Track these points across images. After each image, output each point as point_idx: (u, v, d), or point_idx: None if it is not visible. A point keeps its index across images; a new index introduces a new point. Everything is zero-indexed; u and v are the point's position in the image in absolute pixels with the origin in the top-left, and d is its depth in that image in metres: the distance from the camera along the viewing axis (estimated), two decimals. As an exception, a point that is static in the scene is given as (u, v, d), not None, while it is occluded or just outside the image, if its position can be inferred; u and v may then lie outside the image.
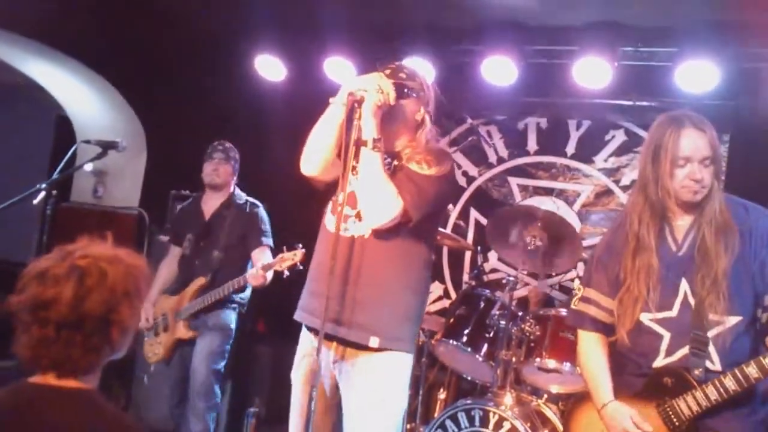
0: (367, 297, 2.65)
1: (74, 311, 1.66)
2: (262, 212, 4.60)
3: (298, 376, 2.84)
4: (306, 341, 2.84)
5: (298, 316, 2.84)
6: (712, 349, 2.41)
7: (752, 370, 2.26)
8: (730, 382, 2.30)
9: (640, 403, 2.50)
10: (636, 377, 2.55)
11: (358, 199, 2.67)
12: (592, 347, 2.68)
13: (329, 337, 2.65)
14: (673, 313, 2.47)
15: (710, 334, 2.41)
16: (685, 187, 2.42)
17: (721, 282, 2.37)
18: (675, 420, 2.42)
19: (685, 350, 2.44)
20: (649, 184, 2.49)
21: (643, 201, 2.53)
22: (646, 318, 2.51)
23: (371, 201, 2.63)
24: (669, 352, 2.47)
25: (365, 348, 2.65)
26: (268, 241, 4.50)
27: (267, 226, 4.56)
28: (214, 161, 4.52)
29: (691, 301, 2.44)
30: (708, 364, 2.40)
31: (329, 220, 2.81)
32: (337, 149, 2.72)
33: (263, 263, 4.21)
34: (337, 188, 2.77)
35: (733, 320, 2.40)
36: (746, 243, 2.43)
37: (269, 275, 4.15)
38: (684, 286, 2.47)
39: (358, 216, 2.70)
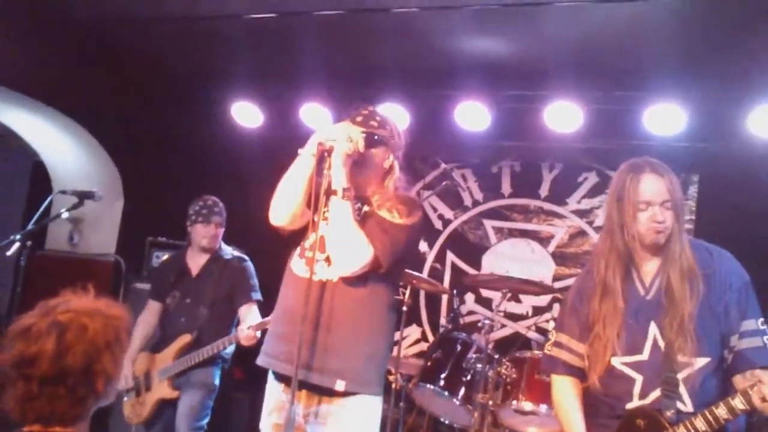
0: (336, 342, 2.65)
1: (56, 366, 1.70)
2: (250, 266, 4.55)
3: (266, 426, 2.81)
4: (274, 392, 2.81)
5: (263, 361, 2.81)
6: (683, 390, 2.45)
7: (722, 412, 2.30)
8: (700, 424, 2.33)
9: None
10: (610, 419, 2.57)
11: (328, 246, 2.69)
12: (564, 390, 2.71)
13: (299, 386, 2.64)
14: (644, 356, 2.51)
15: (680, 375, 2.44)
16: (649, 229, 2.49)
17: (688, 325, 2.42)
18: None
19: (657, 392, 2.47)
20: (614, 229, 2.56)
21: (609, 246, 2.59)
22: (617, 362, 2.55)
23: (342, 249, 2.65)
24: (642, 395, 2.50)
25: (334, 393, 2.65)
26: (257, 296, 4.44)
27: (254, 280, 4.51)
28: (211, 226, 4.43)
29: (661, 343, 2.49)
30: (680, 405, 2.44)
31: (296, 264, 2.82)
32: (306, 200, 2.74)
33: (251, 321, 4.19)
34: (304, 233, 2.82)
35: (702, 362, 2.45)
36: (710, 286, 2.49)
37: (260, 334, 4.08)
38: (653, 329, 2.51)
39: (327, 260, 2.72)
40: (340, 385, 2.63)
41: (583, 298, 2.68)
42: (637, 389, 2.51)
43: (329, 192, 2.63)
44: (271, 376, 2.84)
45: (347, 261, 2.65)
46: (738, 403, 2.28)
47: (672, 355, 2.44)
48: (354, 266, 2.64)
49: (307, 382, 2.64)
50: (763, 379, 2.22)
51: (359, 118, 2.83)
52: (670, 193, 2.48)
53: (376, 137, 2.77)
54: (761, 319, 2.48)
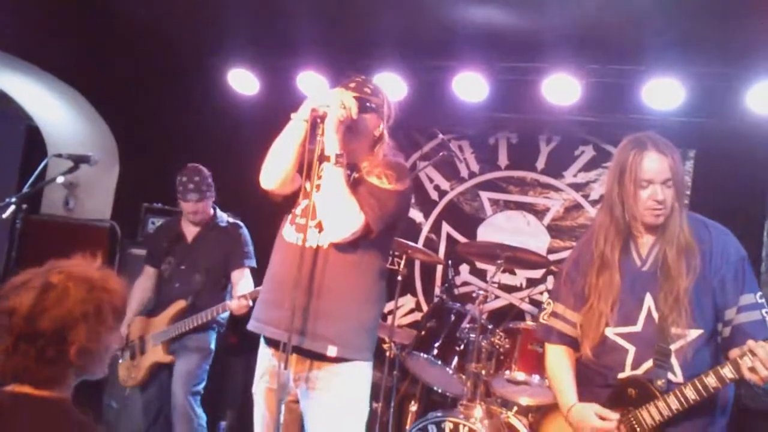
0: (326, 307, 2.68)
1: (29, 324, 1.72)
2: (245, 232, 4.57)
3: (259, 391, 2.86)
4: (265, 356, 2.85)
5: (253, 326, 2.84)
6: (674, 361, 2.49)
7: (711, 380, 2.33)
8: (690, 392, 2.37)
9: None
10: (601, 388, 2.61)
11: (319, 212, 2.70)
12: (557, 358, 2.76)
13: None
14: (638, 327, 2.55)
15: (672, 347, 2.48)
16: (648, 209, 2.52)
17: (683, 299, 2.46)
18: (638, 429, 2.48)
19: (649, 363, 2.51)
20: (614, 204, 2.59)
21: (609, 220, 2.62)
22: (611, 332, 2.58)
23: (334, 215, 2.67)
24: (635, 366, 2.54)
25: (323, 358, 2.68)
26: (251, 262, 4.47)
27: (249, 246, 4.53)
28: (189, 203, 4.43)
29: (655, 315, 2.52)
30: (670, 376, 2.48)
31: (287, 231, 2.84)
32: (297, 165, 2.76)
33: (244, 287, 4.21)
34: (295, 200, 2.83)
35: (695, 333, 2.48)
36: (706, 260, 2.52)
37: (252, 303, 4.10)
38: (648, 300, 2.55)
39: (318, 226, 2.73)
40: (331, 351, 2.66)
41: (580, 269, 2.71)
42: (629, 360, 2.54)
43: (322, 158, 2.64)
44: (262, 341, 2.87)
45: (339, 227, 2.66)
46: (727, 372, 2.31)
47: (665, 327, 2.47)
48: (345, 232, 2.66)
49: (298, 347, 2.66)
50: (755, 350, 2.24)
51: (352, 84, 2.84)
52: (672, 172, 2.50)
53: (368, 104, 2.77)
54: (759, 293, 2.51)
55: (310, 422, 2.75)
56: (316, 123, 2.63)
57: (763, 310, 2.48)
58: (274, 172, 2.79)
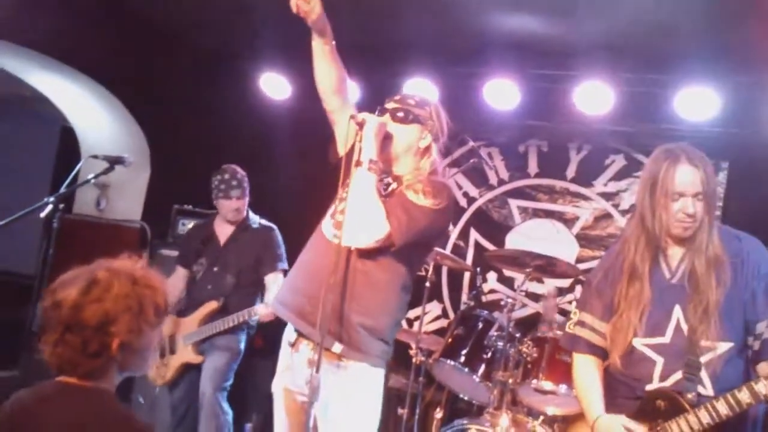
0: (343, 307, 2.68)
1: (73, 315, 1.79)
2: (277, 235, 4.60)
3: (277, 388, 2.89)
4: (285, 353, 2.87)
5: (274, 307, 2.88)
6: (704, 374, 2.46)
7: (744, 396, 2.30)
8: (722, 407, 2.34)
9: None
10: (629, 400, 2.59)
11: (345, 216, 2.70)
12: (585, 368, 2.73)
13: (304, 338, 2.71)
14: (666, 339, 2.53)
15: (702, 360, 2.46)
16: (678, 221, 2.50)
17: (713, 312, 2.44)
18: None
19: (678, 375, 2.49)
20: (645, 215, 2.57)
21: (639, 230, 2.61)
22: (639, 343, 2.57)
23: (358, 221, 2.66)
24: (663, 377, 2.52)
25: (331, 354, 2.68)
26: (283, 265, 4.49)
27: (282, 249, 4.56)
28: (233, 200, 4.47)
29: (684, 327, 2.50)
30: (700, 389, 2.45)
31: (326, 224, 2.86)
32: (337, 79, 2.93)
33: (276, 291, 4.22)
34: (332, 196, 2.87)
35: (725, 347, 2.46)
36: (738, 273, 2.50)
37: None
38: (677, 312, 2.53)
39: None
40: (337, 347, 2.67)
41: (609, 279, 2.69)
42: (657, 371, 2.52)
43: (356, 163, 2.66)
44: (284, 337, 2.88)
45: (360, 233, 2.66)
46: (761, 387, 2.28)
47: (695, 340, 2.45)
48: (367, 239, 2.65)
49: (311, 339, 2.71)
50: None
51: (397, 96, 2.87)
52: (704, 185, 2.48)
53: (411, 115, 2.77)
54: None
55: (322, 423, 2.76)
56: (355, 130, 2.66)
57: None
58: (321, 83, 2.96)
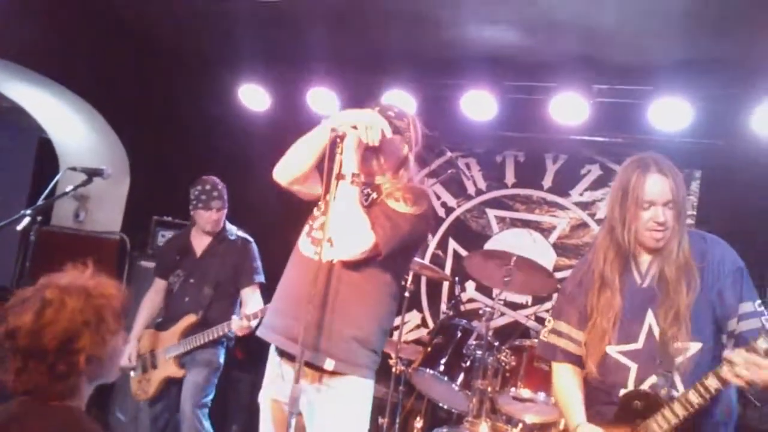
0: (329, 321, 2.70)
1: (33, 341, 1.75)
2: (254, 248, 4.58)
3: (265, 399, 2.88)
4: (274, 364, 2.88)
5: (262, 333, 2.87)
6: (676, 377, 2.50)
7: (712, 381, 2.33)
8: (693, 396, 2.37)
9: (614, 428, 2.56)
10: (607, 405, 2.62)
11: (330, 229, 2.71)
12: (565, 376, 2.76)
13: (293, 360, 2.67)
14: (639, 344, 2.57)
15: (675, 362, 2.50)
16: (649, 230, 2.54)
17: (684, 315, 2.48)
18: None
19: (653, 379, 2.53)
20: (616, 224, 2.61)
21: (609, 240, 2.64)
22: (612, 350, 2.60)
23: (344, 233, 2.69)
24: (637, 383, 2.55)
25: (323, 371, 2.70)
26: (260, 278, 4.48)
27: (258, 262, 4.55)
28: (213, 210, 4.45)
29: (656, 331, 2.54)
30: (673, 391, 2.49)
31: (303, 243, 2.88)
32: (312, 168, 2.83)
33: (253, 305, 4.23)
34: (312, 210, 2.89)
35: (696, 347, 2.50)
36: (705, 273, 2.54)
37: (254, 323, 4.11)
38: (649, 317, 2.57)
39: (330, 242, 2.76)
40: (329, 364, 2.68)
41: (582, 288, 2.73)
42: (632, 377, 2.56)
43: (338, 176, 2.67)
44: (272, 349, 2.89)
45: (347, 245, 2.69)
46: (726, 372, 2.29)
47: (666, 343, 2.49)
48: (353, 251, 2.68)
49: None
50: (754, 345, 2.24)
51: (376, 108, 2.86)
52: (674, 194, 2.52)
53: (392, 128, 2.79)
54: (758, 301, 2.53)
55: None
56: (335, 141, 2.67)
57: (763, 318, 2.49)
58: (288, 167, 2.86)
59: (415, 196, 2.78)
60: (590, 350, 2.63)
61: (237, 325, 4.14)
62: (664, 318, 2.51)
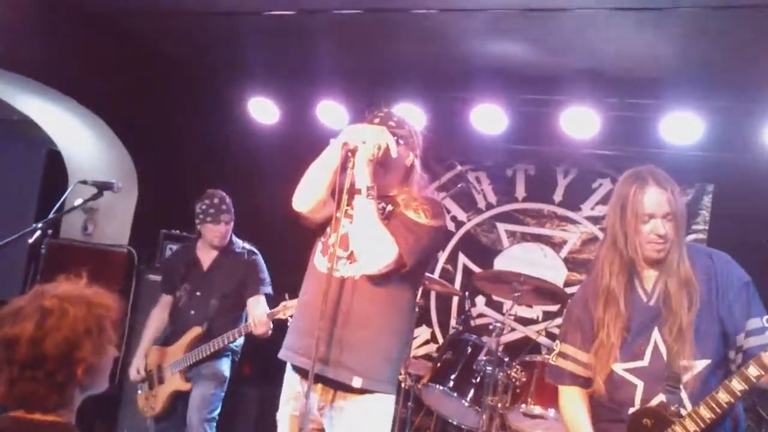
0: (354, 338, 2.68)
1: (33, 350, 1.72)
2: (260, 260, 4.57)
3: (284, 416, 2.85)
4: (292, 382, 2.85)
5: (283, 355, 2.85)
6: (683, 394, 2.49)
7: (722, 396, 2.33)
8: (704, 411, 2.37)
9: None
10: (614, 423, 2.60)
11: (353, 245, 2.71)
12: (571, 399, 2.75)
13: (316, 379, 2.66)
14: (645, 362, 2.56)
15: (682, 379, 2.49)
16: (650, 242, 2.54)
17: (687, 331, 2.48)
18: None
19: (660, 397, 2.52)
20: (617, 238, 2.60)
21: (612, 254, 2.63)
22: (619, 368, 2.59)
23: (367, 247, 2.67)
24: (644, 401, 2.54)
25: (349, 389, 2.68)
26: (266, 289, 4.47)
27: (265, 274, 4.53)
28: (222, 224, 4.43)
29: (662, 348, 2.54)
30: (681, 409, 2.47)
31: (319, 261, 2.86)
32: (330, 190, 2.78)
33: (260, 312, 4.21)
34: (326, 229, 2.85)
35: (702, 364, 2.50)
36: (713, 290, 2.54)
37: (272, 324, 4.12)
38: (656, 335, 2.56)
39: (350, 258, 2.75)
40: (357, 382, 2.66)
41: (587, 306, 2.71)
42: (638, 395, 2.55)
43: (353, 191, 2.66)
44: (289, 367, 2.86)
45: (372, 259, 2.67)
46: (736, 384, 2.31)
47: (672, 361, 2.49)
48: (379, 264, 2.66)
49: (324, 377, 2.67)
50: (761, 355, 2.26)
51: (377, 120, 2.85)
52: (671, 206, 2.53)
53: (396, 138, 2.78)
54: (766, 317, 2.52)
55: None
56: (347, 156, 2.65)
57: None
58: (308, 194, 2.82)
59: (432, 207, 2.78)
60: (597, 368, 2.62)
61: (258, 322, 4.12)
62: (669, 334, 2.51)
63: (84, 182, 3.80)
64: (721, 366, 2.54)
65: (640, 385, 2.54)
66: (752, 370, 2.28)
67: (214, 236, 4.46)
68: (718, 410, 2.34)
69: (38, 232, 3.38)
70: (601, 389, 2.59)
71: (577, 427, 2.68)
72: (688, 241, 2.64)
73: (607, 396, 2.59)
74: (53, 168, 6.82)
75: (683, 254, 2.56)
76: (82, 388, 1.83)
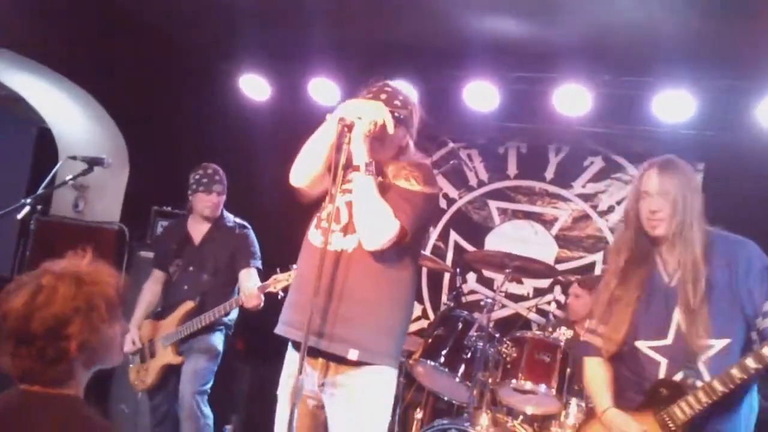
0: (350, 311, 2.67)
1: (22, 326, 1.75)
2: (251, 234, 4.57)
3: (284, 394, 2.84)
4: (292, 359, 2.83)
5: (279, 329, 2.84)
6: (703, 369, 2.59)
7: (736, 371, 2.44)
8: (717, 384, 2.48)
9: (640, 414, 2.68)
10: (636, 394, 2.73)
11: (355, 222, 2.69)
12: (594, 367, 2.88)
13: (313, 353, 2.65)
14: (668, 341, 2.66)
15: (701, 357, 2.59)
16: (647, 219, 2.68)
17: (699, 311, 2.57)
18: (671, 425, 2.58)
19: (681, 375, 2.62)
20: (630, 220, 2.77)
21: (630, 236, 2.77)
22: (643, 345, 2.70)
23: (369, 223, 2.65)
24: (668, 377, 2.64)
25: (345, 362, 2.67)
26: (257, 263, 4.46)
27: (256, 248, 4.53)
28: (214, 194, 4.42)
29: (683, 327, 2.62)
30: (698, 382, 2.57)
31: (313, 235, 2.84)
32: (327, 164, 2.76)
33: (251, 284, 4.21)
34: (321, 203, 2.84)
35: (722, 343, 2.59)
36: (732, 273, 2.62)
37: (263, 297, 4.12)
38: (677, 314, 2.65)
39: (343, 230, 2.73)
40: (352, 354, 2.64)
41: (609, 285, 2.82)
42: (662, 372, 2.66)
43: (350, 167, 2.65)
44: (290, 344, 2.85)
45: (375, 235, 2.64)
46: (750, 362, 2.42)
47: (692, 339, 2.59)
48: (382, 239, 2.63)
49: (320, 350, 2.66)
50: None
51: (383, 96, 2.80)
52: (669, 186, 2.64)
53: (398, 116, 2.75)
54: None
55: (332, 427, 2.74)
56: (343, 132, 2.63)
57: None
58: (305, 169, 2.80)
59: (423, 173, 2.75)
60: (609, 340, 2.76)
61: (249, 295, 4.13)
62: (684, 315, 2.62)
63: (73, 158, 3.78)
64: (744, 347, 2.63)
65: (663, 362, 2.66)
66: (766, 350, 2.40)
67: (205, 206, 4.45)
68: (731, 385, 2.45)
69: (27, 208, 3.36)
70: (623, 364, 2.75)
71: (597, 390, 2.83)
72: (714, 229, 2.70)
73: (631, 371, 2.74)
74: (44, 145, 6.79)
75: (693, 238, 2.63)
76: (84, 364, 1.84)
